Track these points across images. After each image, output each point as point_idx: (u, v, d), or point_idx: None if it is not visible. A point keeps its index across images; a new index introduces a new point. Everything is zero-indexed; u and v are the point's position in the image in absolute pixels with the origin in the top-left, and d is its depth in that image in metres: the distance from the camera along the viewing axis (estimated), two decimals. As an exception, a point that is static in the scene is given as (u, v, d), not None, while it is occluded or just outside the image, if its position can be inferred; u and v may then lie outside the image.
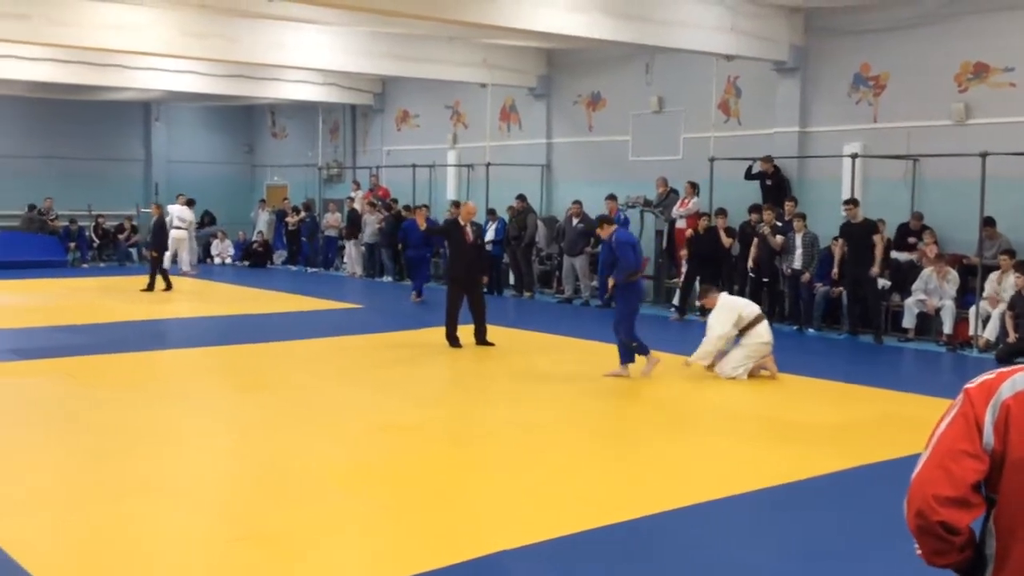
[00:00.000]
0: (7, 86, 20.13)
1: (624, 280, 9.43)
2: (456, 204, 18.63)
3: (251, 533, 5.08)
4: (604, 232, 9.83)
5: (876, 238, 12.20)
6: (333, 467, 6.36)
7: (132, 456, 6.55)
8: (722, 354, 9.64)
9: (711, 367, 9.68)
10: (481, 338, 11.30)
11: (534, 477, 6.26)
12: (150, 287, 16.62)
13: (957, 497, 2.00)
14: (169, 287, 16.86)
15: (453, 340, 11.19)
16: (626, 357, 9.44)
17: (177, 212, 19.60)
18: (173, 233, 19.10)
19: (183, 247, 19.87)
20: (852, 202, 12.45)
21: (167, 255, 18.06)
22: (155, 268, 16.80)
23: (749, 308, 9.85)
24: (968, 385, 2.10)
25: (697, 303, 10.85)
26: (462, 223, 11.40)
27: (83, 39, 14.00)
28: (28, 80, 18.59)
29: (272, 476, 6.12)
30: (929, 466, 2.04)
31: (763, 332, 9.61)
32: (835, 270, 12.66)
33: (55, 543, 4.98)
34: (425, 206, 17.73)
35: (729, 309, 9.69)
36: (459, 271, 11.37)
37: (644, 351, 9.49)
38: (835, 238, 13.21)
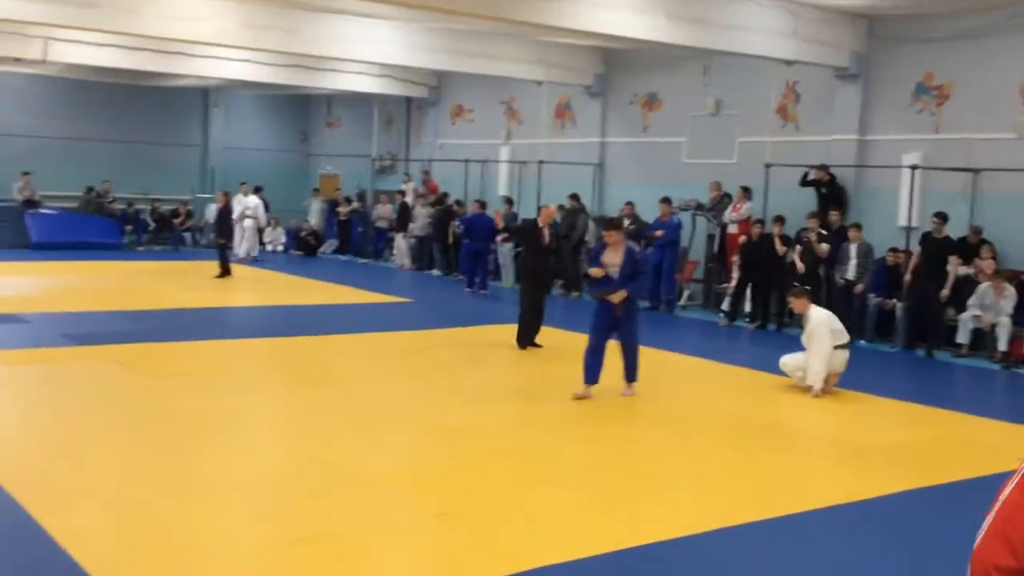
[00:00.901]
0: (70, 70, 20.53)
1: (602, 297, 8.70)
2: (509, 201, 18.73)
3: (308, 535, 5.15)
4: (612, 239, 8.74)
5: (952, 258, 12.02)
6: (390, 469, 6.44)
7: (187, 451, 6.67)
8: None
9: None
10: (530, 339, 11.30)
11: (591, 488, 6.28)
12: (224, 273, 17.08)
13: (1019, 568, 1.97)
14: (228, 274, 17.20)
15: (522, 340, 11.21)
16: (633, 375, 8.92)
17: (245, 202, 20.52)
18: (245, 223, 20.20)
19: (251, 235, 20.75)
20: (941, 216, 12.24)
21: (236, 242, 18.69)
22: (224, 255, 17.25)
23: (839, 328, 9.48)
24: None
25: (789, 304, 10.28)
26: (540, 225, 11.34)
27: (150, 28, 14.20)
28: (91, 65, 18.93)
29: (329, 476, 6.20)
30: (990, 534, 2.01)
31: (844, 359, 9.36)
32: (908, 276, 12.41)
33: (109, 538, 5.09)
34: (480, 202, 17.94)
35: (827, 325, 9.29)
36: (533, 272, 11.42)
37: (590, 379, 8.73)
38: (891, 249, 13.05)
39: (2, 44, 17.23)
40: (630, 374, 8.79)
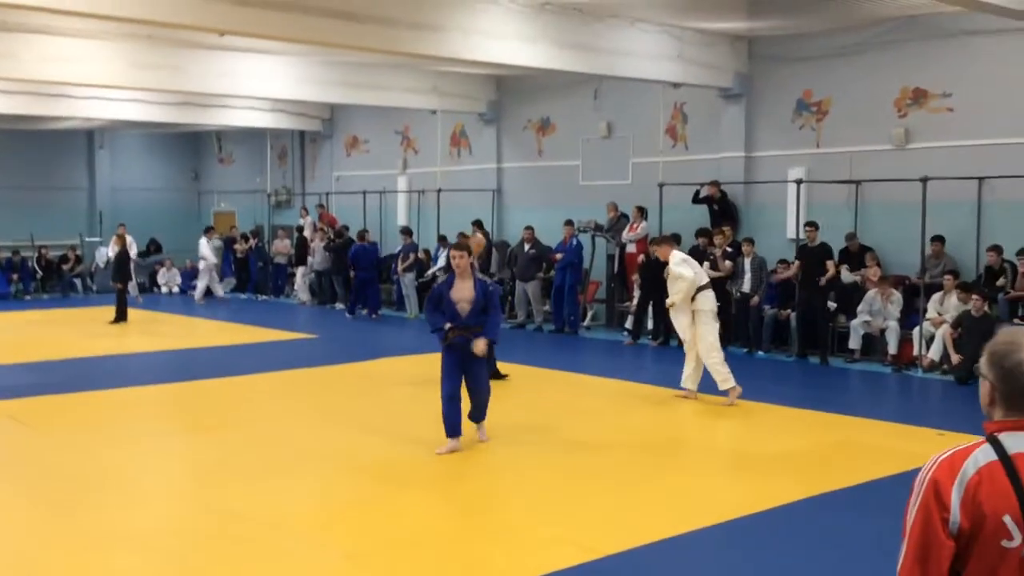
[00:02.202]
0: (-55, 116, 19.74)
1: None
2: (406, 232, 18.71)
3: (219, 585, 5.05)
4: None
5: (829, 263, 12.52)
6: (296, 511, 6.34)
7: (88, 505, 6.47)
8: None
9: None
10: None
11: (505, 516, 6.31)
12: (120, 318, 16.71)
13: None
14: (124, 319, 16.80)
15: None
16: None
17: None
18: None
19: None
20: (813, 225, 12.72)
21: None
22: (122, 298, 16.84)
23: (700, 271, 10.10)
24: (931, 465, 2.20)
25: (650, 249, 10.96)
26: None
27: (29, 72, 13.80)
28: (-33, 110, 18.26)
29: (236, 524, 6.07)
30: (909, 562, 2.17)
31: (712, 296, 9.92)
32: (795, 272, 12.87)
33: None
34: (362, 232, 18.08)
35: (688, 261, 9.97)
36: None
37: None
38: (781, 261, 13.49)
39: None
40: (479, 412, 8.04)
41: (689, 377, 9.95)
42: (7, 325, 16.78)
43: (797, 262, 12.80)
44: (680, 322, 9.97)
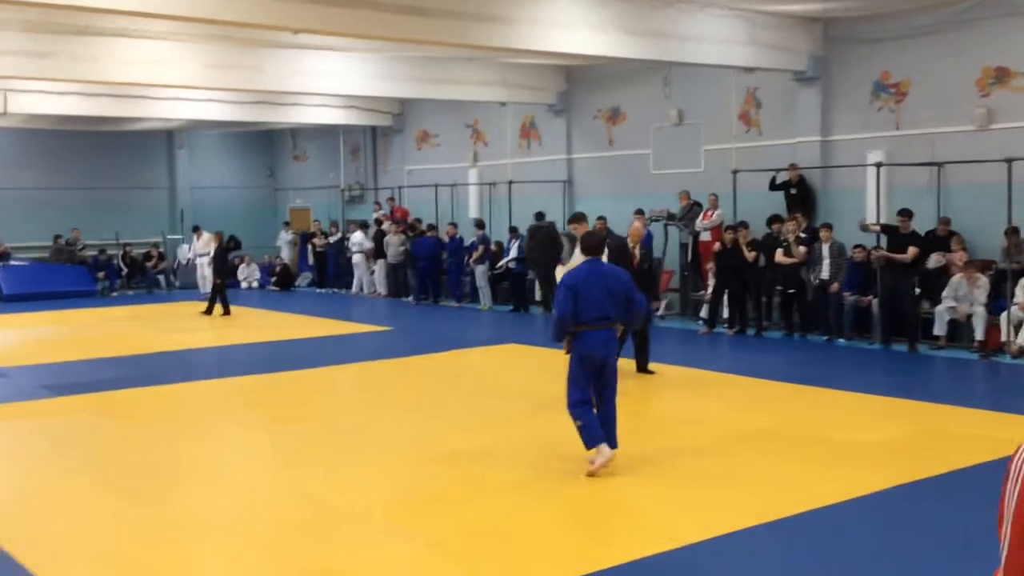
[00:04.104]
0: (34, 120, 20.44)
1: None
2: (478, 224, 18.78)
3: (298, 571, 5.13)
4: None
5: (911, 248, 12.20)
6: (381, 501, 6.41)
7: (174, 496, 6.63)
8: None
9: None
10: (642, 366, 10.62)
11: (588, 504, 6.30)
12: (225, 311, 17.44)
13: None
14: (227, 312, 17.52)
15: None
16: None
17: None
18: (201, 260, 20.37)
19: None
20: (906, 213, 12.38)
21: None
22: (218, 293, 17.51)
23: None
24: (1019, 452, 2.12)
25: (571, 229, 10.76)
26: (630, 244, 10.51)
27: (108, 74, 14.20)
28: (53, 114, 18.85)
29: (319, 512, 6.17)
30: (1015, 548, 2.07)
31: None
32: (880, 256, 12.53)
33: (112, 587, 5.05)
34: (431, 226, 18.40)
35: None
36: None
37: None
38: (857, 246, 13.20)
39: (-39, 99, 17.15)
40: (614, 437, 6.98)
41: None
42: (94, 321, 17.30)
43: (882, 249, 12.47)
44: None
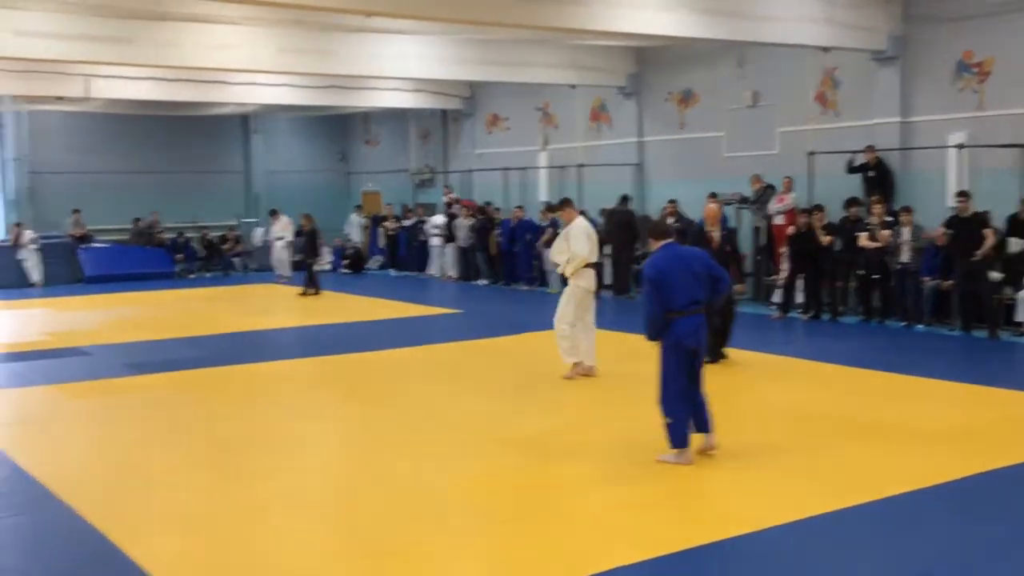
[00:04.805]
0: (112, 105, 20.94)
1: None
2: (549, 207, 18.74)
3: (381, 549, 5.22)
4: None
5: (987, 232, 11.84)
6: (455, 479, 6.49)
7: (254, 472, 6.78)
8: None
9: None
10: (714, 351, 9.91)
11: (662, 487, 6.27)
12: (316, 292, 18.07)
13: None
14: (318, 292, 18.10)
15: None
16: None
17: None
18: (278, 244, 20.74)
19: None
20: (963, 195, 12.07)
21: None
22: (311, 273, 18.18)
23: (595, 245, 9.86)
24: None
25: (553, 214, 10.77)
26: (708, 228, 10.32)
27: (186, 59, 14.48)
28: (132, 99, 19.31)
29: (395, 490, 6.26)
30: None
31: (593, 276, 9.79)
32: (944, 243, 12.20)
33: (190, 561, 5.18)
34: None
35: (586, 232, 9.67)
36: None
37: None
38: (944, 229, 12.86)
39: (45, 84, 17.65)
40: (707, 421, 6.83)
41: (587, 352, 9.81)
42: (174, 302, 17.73)
43: (946, 231, 12.13)
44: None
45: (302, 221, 19.22)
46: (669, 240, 6.89)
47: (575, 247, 9.59)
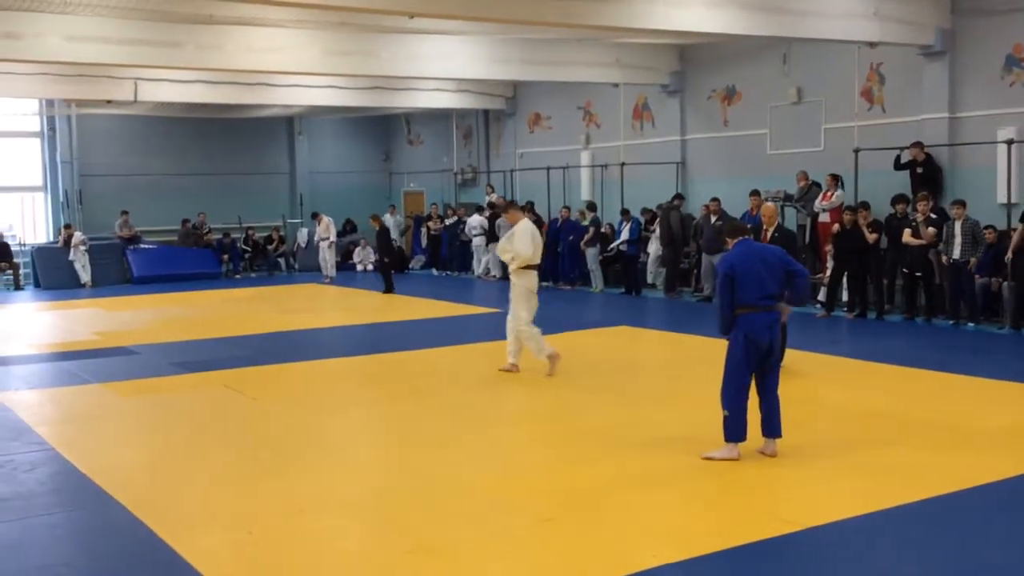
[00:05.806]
0: (160, 108, 21.27)
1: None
2: (591, 206, 18.70)
3: (422, 546, 5.24)
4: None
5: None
6: (495, 477, 6.50)
7: (298, 470, 6.84)
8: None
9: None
10: None
11: (699, 487, 6.24)
12: (389, 290, 18.37)
13: None
14: (388, 291, 18.35)
15: None
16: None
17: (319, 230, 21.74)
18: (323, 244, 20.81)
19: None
20: None
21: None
22: (387, 272, 18.59)
23: (538, 245, 10.00)
24: None
25: (503, 216, 11.00)
26: (764, 227, 9.87)
27: (232, 62, 14.68)
28: (180, 102, 19.58)
29: (436, 487, 6.29)
30: None
31: (536, 277, 10.01)
32: (1009, 255, 12.00)
33: (236, 556, 5.25)
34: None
35: (530, 233, 9.82)
36: None
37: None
38: (987, 227, 12.62)
39: (94, 88, 17.96)
40: (777, 426, 6.79)
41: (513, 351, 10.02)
42: (220, 302, 17.95)
43: (1021, 229, 11.90)
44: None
45: (371, 222, 19.67)
46: (745, 236, 6.93)
47: (518, 247, 9.86)
